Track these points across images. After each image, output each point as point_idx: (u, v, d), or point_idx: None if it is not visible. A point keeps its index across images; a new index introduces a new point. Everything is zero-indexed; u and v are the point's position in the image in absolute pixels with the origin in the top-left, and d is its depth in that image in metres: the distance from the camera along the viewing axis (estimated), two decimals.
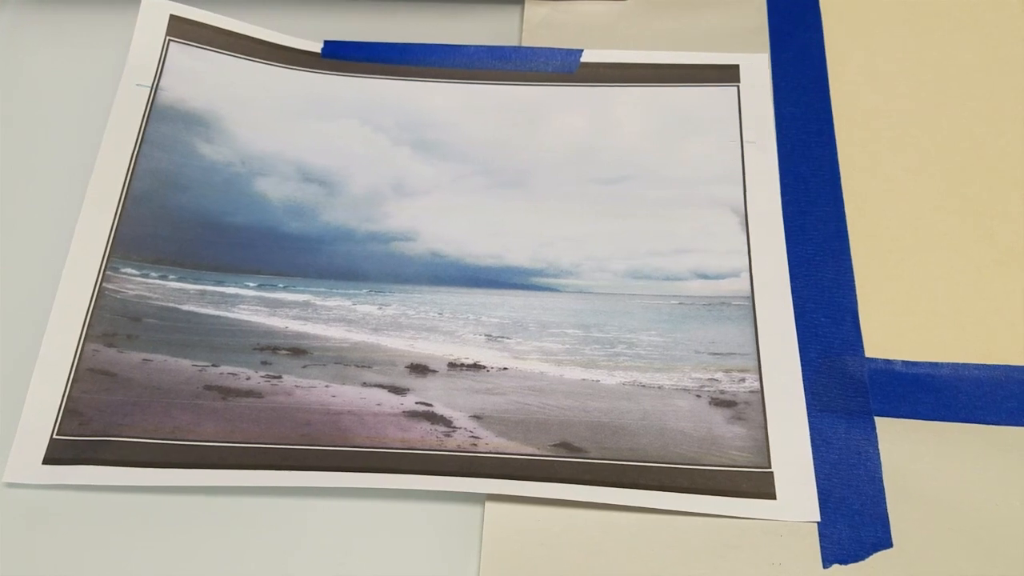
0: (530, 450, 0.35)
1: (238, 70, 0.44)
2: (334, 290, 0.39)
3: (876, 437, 0.36)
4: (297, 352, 0.37)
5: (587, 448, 0.35)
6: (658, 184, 0.42)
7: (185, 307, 0.38)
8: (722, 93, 0.44)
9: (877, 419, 0.36)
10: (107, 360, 0.37)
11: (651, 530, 0.34)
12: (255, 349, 0.37)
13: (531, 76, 0.44)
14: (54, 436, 0.35)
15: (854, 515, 0.34)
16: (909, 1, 0.47)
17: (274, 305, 0.39)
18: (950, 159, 0.42)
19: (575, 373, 0.37)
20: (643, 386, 0.37)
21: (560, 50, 0.45)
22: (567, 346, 0.38)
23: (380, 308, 0.39)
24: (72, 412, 0.35)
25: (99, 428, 0.35)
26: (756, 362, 0.37)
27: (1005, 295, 0.39)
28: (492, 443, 0.35)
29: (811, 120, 0.43)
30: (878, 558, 0.33)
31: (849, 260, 0.40)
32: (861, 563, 0.33)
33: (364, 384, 0.37)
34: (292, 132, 0.43)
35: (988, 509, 0.34)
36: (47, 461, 0.35)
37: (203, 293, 0.39)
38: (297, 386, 0.37)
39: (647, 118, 0.43)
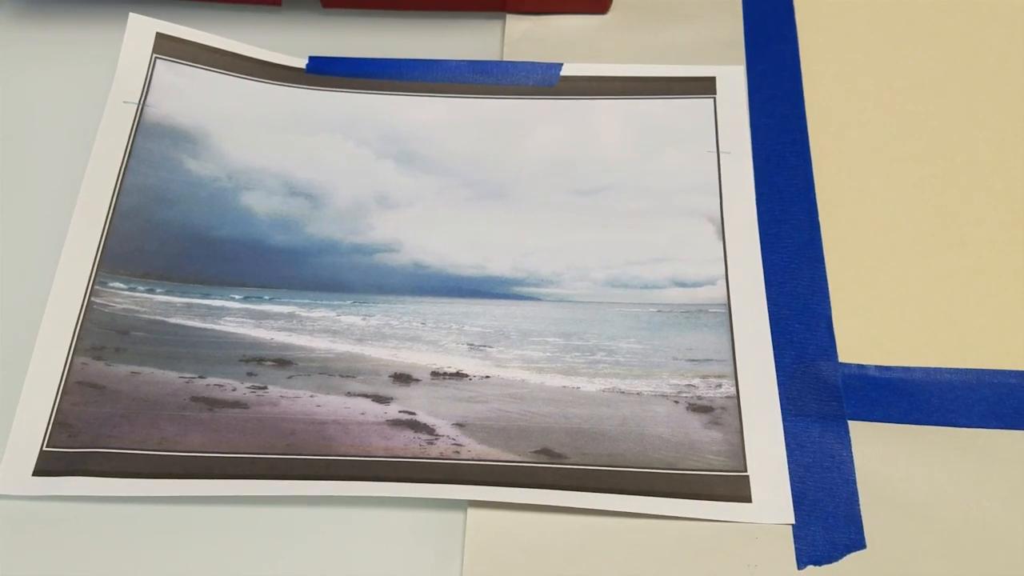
0: (512, 457, 0.36)
1: (224, 86, 0.44)
2: (319, 301, 0.40)
3: (850, 440, 0.36)
4: (282, 363, 0.38)
5: (567, 454, 0.36)
6: (636, 194, 0.42)
7: (172, 320, 0.39)
8: (699, 105, 0.45)
9: (851, 423, 0.37)
10: (95, 373, 0.37)
11: (630, 534, 0.35)
12: (241, 360, 0.38)
13: (512, 90, 0.45)
14: (44, 448, 0.36)
15: (828, 517, 0.35)
16: (883, 13, 0.48)
17: (260, 317, 0.39)
18: (922, 168, 0.43)
19: (556, 380, 0.38)
20: (622, 392, 0.38)
21: (540, 64, 0.46)
22: (548, 354, 0.39)
23: (364, 319, 0.40)
24: (61, 424, 0.36)
25: (88, 440, 0.36)
26: (732, 368, 0.38)
27: (976, 301, 0.40)
28: (474, 450, 0.36)
29: (786, 131, 0.44)
30: (851, 559, 0.34)
31: (823, 268, 0.40)
32: (835, 564, 0.34)
33: (348, 394, 0.37)
34: (277, 147, 0.43)
35: (959, 510, 0.35)
36: (37, 473, 0.35)
37: (190, 306, 0.39)
38: (282, 396, 0.37)
39: (625, 130, 0.44)
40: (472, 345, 0.39)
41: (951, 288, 0.40)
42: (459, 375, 0.38)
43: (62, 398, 0.37)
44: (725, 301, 0.40)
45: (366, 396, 0.37)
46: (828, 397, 0.37)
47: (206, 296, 0.40)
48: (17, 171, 0.43)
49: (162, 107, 0.43)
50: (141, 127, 0.43)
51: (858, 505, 0.35)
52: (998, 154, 0.44)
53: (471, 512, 0.35)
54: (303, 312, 0.40)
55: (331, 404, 0.37)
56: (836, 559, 0.34)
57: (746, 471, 0.36)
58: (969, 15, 0.48)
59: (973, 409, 0.37)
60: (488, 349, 0.39)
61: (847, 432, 0.37)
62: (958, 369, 0.38)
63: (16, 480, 0.35)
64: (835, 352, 0.38)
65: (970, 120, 0.45)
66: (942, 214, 0.42)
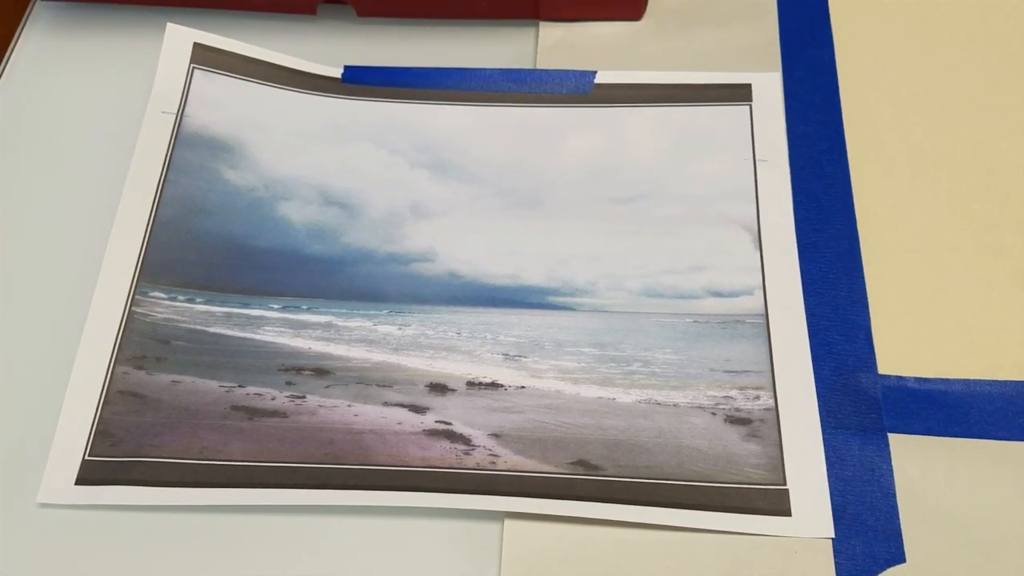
0: (548, 468, 0.36)
1: (261, 96, 0.45)
2: (355, 311, 0.40)
3: (890, 453, 0.36)
4: (320, 372, 0.38)
5: (604, 466, 0.36)
6: (672, 202, 0.42)
7: (212, 329, 0.39)
8: (734, 112, 0.44)
9: (890, 435, 0.37)
10: (137, 382, 0.38)
11: (668, 547, 0.34)
12: (280, 370, 0.38)
13: (545, 98, 0.45)
14: (86, 457, 0.36)
15: (868, 531, 0.35)
16: (921, 17, 0.48)
17: (298, 326, 0.40)
18: (962, 175, 0.43)
19: (591, 391, 0.38)
20: (659, 404, 0.37)
21: (574, 72, 0.46)
22: (583, 364, 0.39)
23: (400, 328, 0.40)
24: (103, 433, 0.37)
25: (130, 449, 0.36)
26: (770, 379, 0.38)
27: (1017, 311, 0.39)
28: (510, 461, 0.36)
29: (823, 137, 0.44)
30: (892, 573, 0.34)
31: (862, 277, 0.40)
32: None
33: (385, 403, 0.38)
34: (313, 156, 0.44)
35: (1000, 524, 0.35)
36: (79, 482, 0.36)
37: (229, 315, 0.40)
38: (320, 406, 0.38)
39: (660, 137, 0.44)
40: (507, 355, 0.39)
41: (992, 298, 0.40)
42: (494, 385, 0.38)
43: (104, 407, 0.37)
44: (763, 312, 0.39)
45: (403, 406, 0.38)
46: (868, 409, 0.37)
47: (245, 306, 0.40)
48: (57, 182, 0.43)
49: (200, 117, 0.44)
50: (180, 137, 0.43)
51: (898, 519, 0.35)
52: None
53: (508, 523, 0.35)
54: (340, 322, 0.40)
55: (368, 413, 0.37)
56: (876, 573, 0.34)
57: (785, 484, 0.35)
58: (1008, 18, 0.47)
59: (1014, 421, 0.37)
60: (523, 359, 0.39)
61: (887, 445, 0.36)
62: (999, 381, 0.38)
63: (59, 489, 0.36)
64: (874, 363, 0.38)
65: (1011, 126, 0.44)
66: (983, 222, 0.41)
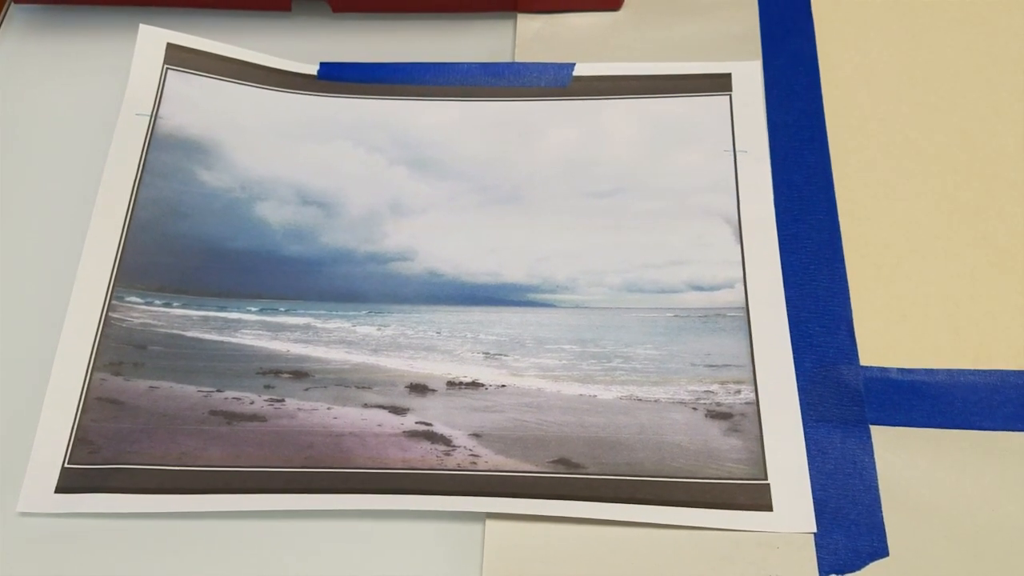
0: (529, 467, 0.36)
1: (235, 96, 0.44)
2: (334, 312, 0.40)
3: (872, 446, 0.36)
4: (299, 375, 0.38)
5: (585, 464, 0.36)
6: (651, 196, 0.42)
7: (189, 333, 0.39)
8: (714, 102, 0.44)
9: (873, 428, 0.36)
10: (114, 388, 0.37)
11: (650, 544, 0.34)
12: (258, 373, 0.38)
13: (524, 91, 0.45)
14: (65, 465, 0.36)
15: (850, 525, 0.34)
16: (902, 6, 0.47)
17: (276, 329, 0.39)
18: (944, 164, 0.42)
19: (572, 389, 0.38)
20: (640, 400, 0.37)
21: (552, 64, 0.45)
22: (564, 362, 0.38)
23: (379, 329, 0.40)
24: (82, 441, 0.36)
25: (109, 456, 0.36)
26: (751, 373, 0.38)
27: (1000, 300, 0.39)
28: (492, 461, 0.36)
29: (804, 127, 0.43)
30: (875, 567, 0.34)
31: (843, 268, 0.40)
32: (858, 573, 0.34)
33: (365, 405, 0.37)
34: (290, 155, 0.43)
35: (984, 516, 0.34)
36: (59, 490, 0.35)
37: (206, 319, 0.39)
38: (300, 409, 0.37)
39: (640, 130, 0.44)
40: (488, 354, 0.39)
41: (975, 287, 0.39)
42: (475, 384, 0.38)
43: (82, 415, 0.37)
44: (743, 305, 0.39)
45: (383, 407, 0.37)
46: (849, 401, 0.37)
47: (222, 309, 0.40)
48: (31, 186, 0.43)
49: (175, 118, 0.43)
50: (154, 139, 0.43)
51: (881, 512, 0.35)
52: (1022, 148, 0.43)
53: (489, 524, 0.35)
54: (319, 323, 0.40)
55: (348, 416, 0.37)
56: (859, 568, 0.34)
57: (766, 479, 0.35)
58: (989, 7, 0.47)
59: (997, 411, 0.37)
60: (504, 358, 0.39)
61: (869, 437, 0.36)
62: (982, 371, 0.37)
63: (39, 497, 0.35)
64: (856, 355, 0.38)
65: (993, 113, 0.44)
66: (965, 211, 0.41)
